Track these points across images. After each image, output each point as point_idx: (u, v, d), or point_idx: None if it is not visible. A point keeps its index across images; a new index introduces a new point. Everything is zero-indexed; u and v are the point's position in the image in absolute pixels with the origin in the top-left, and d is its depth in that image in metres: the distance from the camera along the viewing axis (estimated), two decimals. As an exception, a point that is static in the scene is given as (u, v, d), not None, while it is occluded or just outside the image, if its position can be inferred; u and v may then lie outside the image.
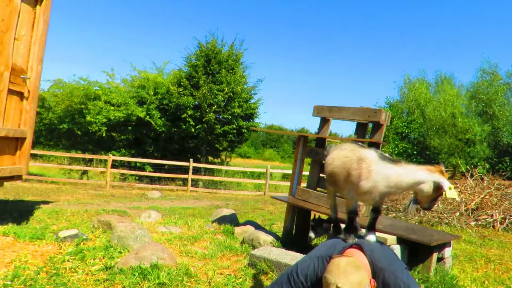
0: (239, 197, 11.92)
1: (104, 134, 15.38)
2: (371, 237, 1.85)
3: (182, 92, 15.28)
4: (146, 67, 22.89)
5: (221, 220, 5.04)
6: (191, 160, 12.74)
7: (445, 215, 6.21)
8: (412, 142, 20.29)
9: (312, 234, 3.30)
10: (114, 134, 15.95)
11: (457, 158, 18.02)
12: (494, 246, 4.85)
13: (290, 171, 8.77)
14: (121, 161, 14.08)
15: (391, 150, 18.69)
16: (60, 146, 17.15)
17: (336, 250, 1.73)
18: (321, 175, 4.17)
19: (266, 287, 1.91)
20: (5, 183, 5.08)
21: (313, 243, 4.38)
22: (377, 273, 1.63)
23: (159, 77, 16.69)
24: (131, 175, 14.60)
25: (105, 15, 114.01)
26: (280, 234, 4.40)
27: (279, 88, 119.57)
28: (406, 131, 20.09)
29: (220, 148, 16.97)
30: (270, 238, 3.80)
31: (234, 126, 15.79)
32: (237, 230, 4.28)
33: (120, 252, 2.99)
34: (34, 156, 14.63)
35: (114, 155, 13.80)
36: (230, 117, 15.65)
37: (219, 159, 18.61)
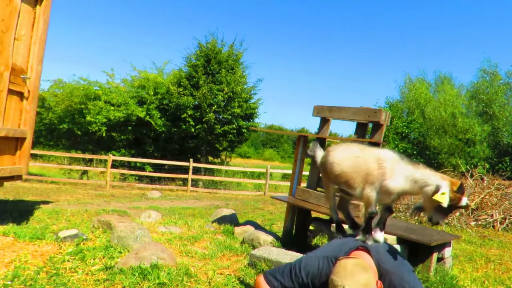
0: (239, 197, 11.92)
1: (104, 134, 15.38)
2: (379, 236, 1.84)
3: (182, 92, 15.28)
4: (146, 67, 22.91)
5: (221, 220, 5.04)
6: (191, 160, 12.74)
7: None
8: (412, 142, 20.29)
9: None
10: (114, 134, 15.95)
11: (457, 158, 18.03)
12: (494, 246, 4.85)
13: (290, 171, 8.77)
14: (121, 161, 14.09)
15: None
16: (60, 146, 17.15)
17: (342, 252, 1.72)
18: (321, 175, 4.17)
19: (266, 270, 1.89)
20: (5, 183, 5.08)
21: (313, 243, 4.38)
22: (384, 275, 1.62)
23: (159, 77, 16.70)
24: (131, 175, 14.60)
25: (105, 15, 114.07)
26: (280, 234, 4.40)
27: (279, 88, 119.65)
28: (406, 131, 20.09)
29: (220, 148, 16.97)
30: (270, 238, 3.80)
31: (234, 126, 15.80)
32: (237, 230, 4.28)
33: (120, 252, 2.99)
34: (34, 156, 14.63)
35: (114, 155, 13.80)
36: (230, 117, 15.65)
37: (219, 159, 18.62)
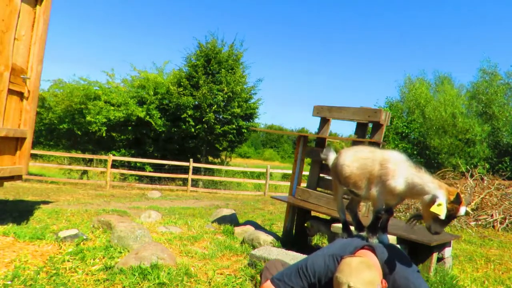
0: (239, 197, 11.92)
1: (104, 134, 15.38)
2: (384, 237, 1.85)
3: (182, 92, 15.28)
4: (146, 67, 22.94)
5: (221, 220, 5.04)
6: (191, 160, 12.74)
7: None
8: (412, 142, 20.30)
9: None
10: (114, 134, 15.95)
11: (457, 158, 18.03)
12: (494, 246, 4.85)
13: (290, 171, 8.77)
14: (121, 161, 14.09)
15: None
16: (60, 146, 17.15)
17: (347, 250, 1.73)
18: (321, 175, 4.17)
19: (273, 276, 1.88)
20: (5, 183, 5.08)
21: (313, 243, 4.38)
22: (388, 276, 1.62)
23: (159, 77, 16.70)
24: (131, 175, 14.60)
25: (105, 15, 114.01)
26: (280, 234, 4.40)
27: (279, 88, 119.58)
28: (406, 131, 20.09)
29: (220, 148, 16.97)
30: (270, 238, 3.80)
31: (234, 126, 15.80)
32: (237, 230, 4.28)
33: (120, 252, 2.99)
34: (34, 156, 14.63)
35: (114, 155, 13.80)
36: (230, 117, 15.65)
37: (219, 159, 18.61)
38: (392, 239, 3.04)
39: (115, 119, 15.25)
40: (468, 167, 9.49)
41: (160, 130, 15.98)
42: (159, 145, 16.63)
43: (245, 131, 16.48)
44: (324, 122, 4.21)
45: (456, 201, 1.59)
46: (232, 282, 2.67)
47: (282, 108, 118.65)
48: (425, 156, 19.61)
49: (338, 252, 1.72)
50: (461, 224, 5.97)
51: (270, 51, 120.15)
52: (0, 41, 3.35)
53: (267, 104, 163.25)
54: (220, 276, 2.80)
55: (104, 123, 15.16)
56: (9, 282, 2.30)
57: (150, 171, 14.00)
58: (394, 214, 6.71)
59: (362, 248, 1.73)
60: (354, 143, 3.86)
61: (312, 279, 1.67)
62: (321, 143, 4.23)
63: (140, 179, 14.63)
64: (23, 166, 3.96)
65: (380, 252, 1.70)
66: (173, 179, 14.08)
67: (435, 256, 3.04)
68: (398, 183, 1.78)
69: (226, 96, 15.31)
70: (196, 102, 15.48)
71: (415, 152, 19.60)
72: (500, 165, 17.97)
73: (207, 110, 15.06)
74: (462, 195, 1.62)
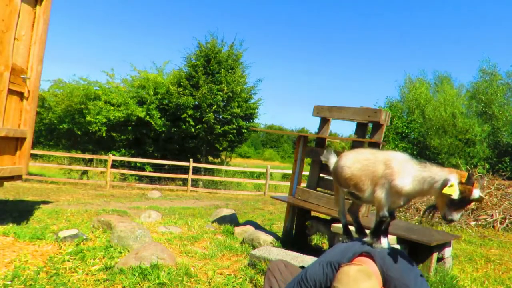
0: (239, 197, 11.92)
1: (104, 134, 15.37)
2: (384, 242, 1.82)
3: (182, 92, 15.28)
4: (146, 67, 22.95)
5: (221, 220, 5.04)
6: (191, 160, 12.74)
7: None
8: (412, 142, 20.30)
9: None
10: (114, 134, 15.94)
11: (457, 158, 18.03)
12: (494, 246, 4.85)
13: (290, 171, 8.77)
14: (121, 161, 14.09)
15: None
16: (60, 146, 17.15)
17: (345, 257, 1.68)
18: (321, 175, 4.17)
19: None
20: (5, 183, 5.08)
21: (313, 243, 4.38)
22: (388, 282, 1.58)
23: (159, 77, 16.69)
24: (131, 175, 14.60)
25: (105, 15, 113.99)
26: (280, 234, 4.40)
27: (279, 88, 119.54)
28: (406, 131, 20.09)
29: (220, 148, 16.96)
30: (270, 238, 3.80)
31: (234, 126, 15.79)
32: (237, 230, 4.29)
33: (120, 252, 2.99)
34: (34, 156, 14.63)
35: (114, 155, 13.80)
36: (229, 117, 15.65)
37: (219, 159, 18.61)
38: (392, 239, 3.04)
39: (115, 119, 15.24)
40: (468, 167, 9.49)
41: (160, 130, 15.98)
42: (159, 145, 16.63)
43: (245, 131, 16.48)
44: (324, 122, 4.21)
45: (468, 182, 1.54)
46: (232, 282, 2.68)
47: (282, 108, 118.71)
48: (425, 156, 19.58)
49: (335, 259, 1.68)
50: (461, 224, 5.97)
51: (270, 51, 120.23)
52: (0, 41, 3.35)
53: (267, 104, 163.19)
54: (220, 276, 2.80)
55: (104, 123, 15.16)
56: (9, 282, 2.30)
57: (150, 171, 14.00)
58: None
59: (360, 254, 1.69)
60: (354, 143, 3.86)
61: None
62: (321, 143, 4.23)
63: (140, 179, 14.63)
64: (23, 166, 3.96)
65: (380, 258, 1.65)
66: (173, 179, 14.07)
67: (435, 256, 3.04)
68: (405, 182, 1.74)
69: (226, 96, 15.31)
70: (196, 102, 15.48)
71: (415, 152, 19.58)
72: (500, 165, 17.95)
73: (207, 110, 15.05)
74: (474, 177, 1.59)
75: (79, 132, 15.72)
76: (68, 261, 2.74)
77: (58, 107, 15.76)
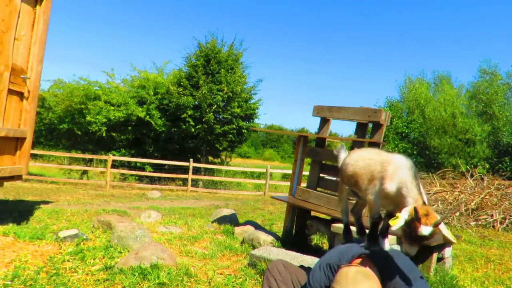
0: (239, 197, 11.92)
1: (104, 134, 15.38)
2: (384, 243, 1.81)
3: (182, 92, 15.28)
4: (146, 67, 22.89)
5: (221, 220, 5.04)
6: (191, 160, 12.74)
7: (445, 215, 6.21)
8: (412, 142, 20.30)
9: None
10: (114, 134, 15.95)
11: (457, 158, 18.04)
12: (494, 246, 4.85)
13: (290, 171, 8.77)
14: (121, 161, 14.08)
15: (391, 150, 18.69)
16: (60, 146, 17.14)
17: (344, 259, 1.67)
18: (321, 175, 4.17)
19: None
20: (5, 183, 5.08)
21: (313, 243, 4.38)
22: (387, 285, 1.57)
23: (159, 77, 16.69)
24: (131, 175, 14.60)
25: (105, 15, 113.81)
26: (280, 234, 4.40)
27: (279, 88, 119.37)
28: (406, 131, 20.09)
29: (220, 148, 16.96)
30: (270, 238, 3.80)
31: (234, 126, 15.79)
32: (237, 230, 4.29)
33: (120, 252, 2.99)
34: (34, 156, 14.63)
35: (114, 155, 13.80)
36: (229, 117, 15.65)
37: (219, 159, 18.61)
38: (392, 239, 3.04)
39: (115, 119, 15.25)
40: (468, 167, 9.49)
41: (160, 130, 15.98)
42: (159, 145, 16.63)
43: (245, 131, 16.48)
44: (324, 122, 4.21)
45: (415, 218, 1.50)
46: (232, 282, 2.68)
47: (282, 108, 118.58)
48: (425, 156, 19.61)
49: (334, 261, 1.68)
50: (461, 224, 5.97)
51: (270, 51, 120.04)
52: (0, 41, 3.35)
53: (267, 104, 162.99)
54: (220, 276, 2.80)
55: (104, 123, 15.16)
56: (9, 282, 2.30)
57: (150, 171, 14.00)
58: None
59: (360, 256, 1.68)
60: (354, 143, 3.86)
61: None
62: (321, 143, 4.23)
63: (140, 179, 14.63)
64: (23, 166, 3.96)
65: (379, 260, 1.64)
66: (173, 179, 14.08)
67: (435, 256, 3.04)
68: (392, 186, 1.71)
69: (226, 96, 15.31)
70: (196, 102, 15.48)
71: (415, 152, 19.60)
72: (500, 165, 17.97)
73: (207, 110, 15.05)
74: (428, 216, 1.50)
75: (79, 132, 15.72)
76: (68, 261, 2.74)
77: (58, 107, 15.76)
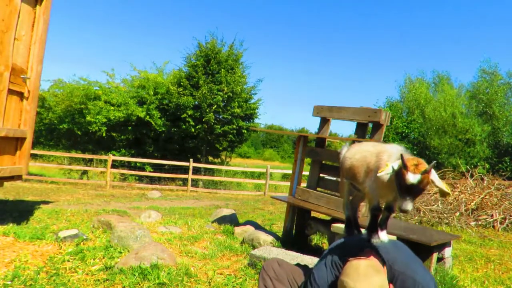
0: (239, 197, 11.92)
1: (104, 134, 15.37)
2: (383, 235, 1.80)
3: (182, 92, 15.28)
4: (146, 67, 22.90)
5: (221, 220, 5.04)
6: (191, 160, 12.74)
7: (445, 215, 6.22)
8: (412, 142, 20.30)
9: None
10: (114, 134, 15.94)
11: (457, 158, 18.04)
12: (494, 246, 4.85)
13: (290, 171, 8.77)
14: (121, 161, 14.08)
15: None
16: (60, 146, 17.14)
17: (347, 253, 1.66)
18: (321, 175, 4.17)
19: None
20: (5, 183, 5.08)
21: (313, 243, 4.38)
22: (395, 277, 1.57)
23: (159, 77, 16.69)
24: (131, 175, 14.59)
25: (105, 15, 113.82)
26: (280, 234, 4.40)
27: (279, 88, 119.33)
28: (406, 131, 20.09)
29: (220, 148, 16.97)
30: (270, 238, 3.80)
31: (234, 126, 15.79)
32: (237, 230, 4.29)
33: (120, 252, 2.99)
34: (34, 156, 14.62)
35: (114, 155, 13.80)
36: (230, 117, 15.65)
37: (219, 159, 18.61)
38: (391, 239, 3.04)
39: (115, 119, 15.24)
40: (468, 167, 9.49)
41: (160, 130, 15.98)
42: (159, 145, 16.63)
43: (245, 131, 16.48)
44: (324, 122, 4.21)
45: (403, 165, 1.50)
46: (232, 282, 2.68)
47: (282, 108, 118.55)
48: (425, 156, 19.58)
49: (337, 256, 1.68)
50: (461, 224, 5.97)
51: (270, 51, 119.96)
52: (0, 41, 3.35)
53: (267, 104, 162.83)
54: (220, 276, 2.80)
55: (104, 123, 15.15)
56: (9, 282, 2.30)
57: (150, 171, 14.00)
58: (394, 214, 6.72)
59: (365, 250, 1.67)
60: (354, 143, 3.86)
61: None
62: (321, 143, 4.23)
63: (140, 179, 14.63)
64: (23, 166, 3.97)
65: (385, 253, 1.64)
66: (173, 179, 14.07)
67: (435, 256, 3.04)
68: (385, 177, 1.69)
69: (226, 96, 15.31)
70: (196, 102, 15.48)
71: (415, 152, 19.58)
72: (500, 165, 17.97)
73: (207, 110, 15.05)
74: (417, 165, 1.49)
75: (79, 132, 15.72)
76: (68, 261, 2.75)
77: (58, 107, 15.75)
